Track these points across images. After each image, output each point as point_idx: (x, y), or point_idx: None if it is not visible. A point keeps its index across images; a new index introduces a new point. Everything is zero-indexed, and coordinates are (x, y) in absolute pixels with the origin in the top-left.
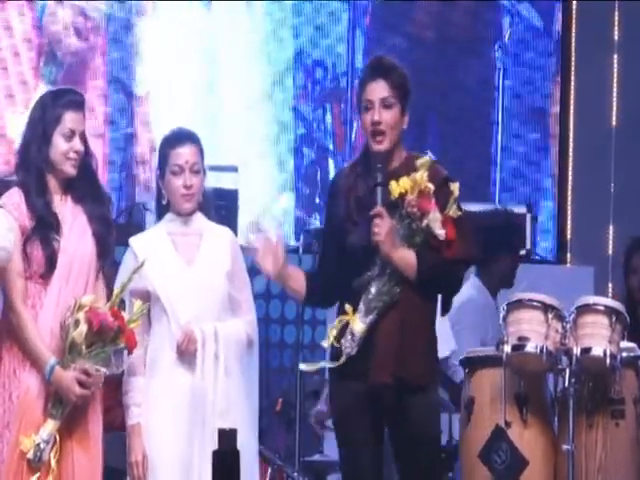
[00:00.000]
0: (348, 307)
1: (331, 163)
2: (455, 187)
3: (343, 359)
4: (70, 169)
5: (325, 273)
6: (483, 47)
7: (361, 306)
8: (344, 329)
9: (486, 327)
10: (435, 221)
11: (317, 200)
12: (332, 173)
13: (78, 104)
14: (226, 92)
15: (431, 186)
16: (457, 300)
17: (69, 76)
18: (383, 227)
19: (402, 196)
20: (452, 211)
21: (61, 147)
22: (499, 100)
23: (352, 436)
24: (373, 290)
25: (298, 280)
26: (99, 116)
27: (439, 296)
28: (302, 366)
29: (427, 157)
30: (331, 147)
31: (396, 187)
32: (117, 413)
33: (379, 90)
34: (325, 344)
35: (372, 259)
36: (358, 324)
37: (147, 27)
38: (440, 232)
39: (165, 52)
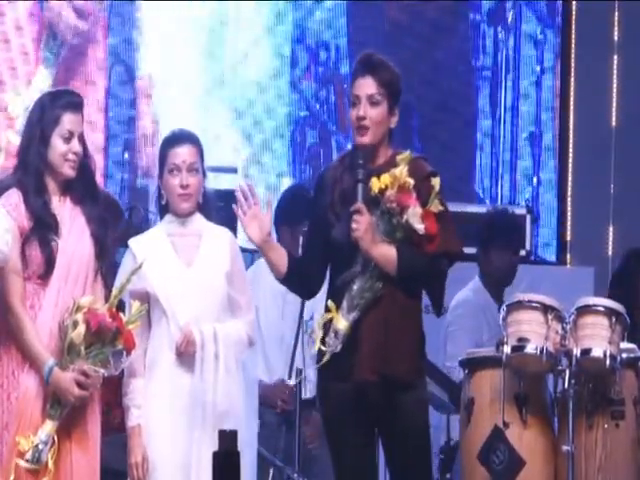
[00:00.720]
0: (331, 304)
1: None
2: (436, 182)
3: (327, 357)
4: (69, 171)
5: (307, 263)
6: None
7: (344, 303)
8: (327, 327)
9: (481, 329)
10: (414, 216)
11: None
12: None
13: (77, 105)
14: (229, 67)
15: (411, 181)
16: (453, 301)
17: (70, 56)
18: (362, 223)
19: (382, 192)
20: (433, 206)
21: (60, 148)
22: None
23: (342, 437)
24: (356, 287)
25: (281, 256)
26: (99, 91)
27: (423, 292)
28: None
29: (407, 152)
30: (334, 128)
31: (376, 183)
32: (116, 414)
33: (366, 86)
34: (314, 349)
35: (353, 254)
36: (341, 321)
37: (148, 5)
38: (419, 227)
39: (167, 29)
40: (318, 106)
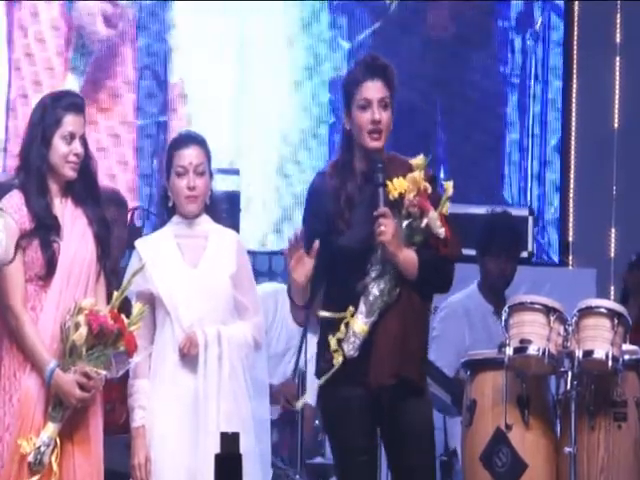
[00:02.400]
0: (351, 309)
1: None
2: (449, 186)
3: (340, 360)
4: (70, 172)
5: (320, 280)
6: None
7: (362, 307)
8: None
9: (462, 334)
10: (435, 220)
11: None
12: None
13: (78, 107)
14: (258, 79)
15: (428, 185)
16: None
17: (98, 64)
18: (389, 227)
19: (401, 196)
20: (444, 209)
21: (61, 150)
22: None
23: (347, 442)
24: (375, 291)
25: (307, 287)
26: (127, 103)
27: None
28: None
29: (422, 156)
30: None
31: (394, 188)
32: (121, 412)
33: (377, 90)
34: (336, 361)
35: (365, 259)
36: (360, 325)
37: (178, 12)
38: (440, 230)
39: (197, 37)
40: None
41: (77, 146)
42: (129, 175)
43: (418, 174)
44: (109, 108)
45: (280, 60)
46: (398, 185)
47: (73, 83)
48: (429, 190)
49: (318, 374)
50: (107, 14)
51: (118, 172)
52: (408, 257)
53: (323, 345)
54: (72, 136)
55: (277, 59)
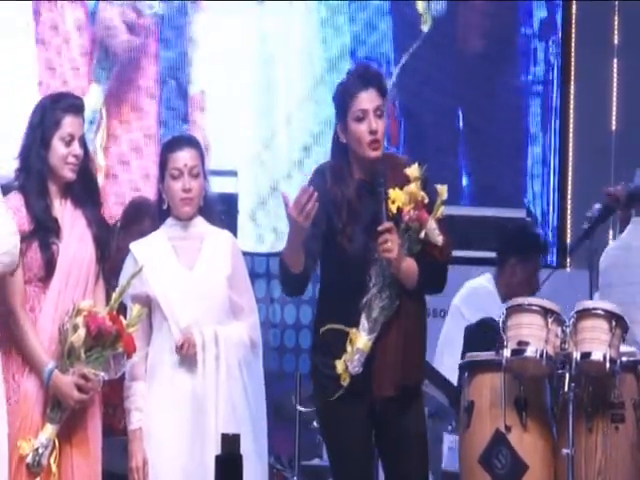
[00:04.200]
0: (354, 330)
1: None
2: (443, 190)
3: (348, 381)
4: (69, 173)
5: (311, 266)
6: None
7: (364, 323)
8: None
9: None
10: (433, 230)
11: None
12: None
13: (77, 108)
14: (281, 88)
15: (425, 195)
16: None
17: (120, 74)
18: (395, 243)
19: (399, 210)
20: (439, 213)
21: (60, 151)
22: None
23: (344, 445)
24: (377, 305)
25: (302, 252)
26: (151, 115)
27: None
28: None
29: (416, 166)
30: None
31: (392, 203)
32: (122, 415)
33: (372, 99)
34: (343, 382)
35: (365, 272)
36: (364, 342)
37: (200, 24)
38: (439, 239)
39: (219, 49)
40: None
41: (76, 147)
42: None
43: (415, 186)
44: (130, 121)
45: (301, 72)
46: (396, 199)
47: (96, 94)
48: (426, 200)
49: (321, 390)
50: (130, 22)
51: (142, 186)
52: (409, 268)
53: (325, 364)
54: (71, 137)
55: (297, 72)
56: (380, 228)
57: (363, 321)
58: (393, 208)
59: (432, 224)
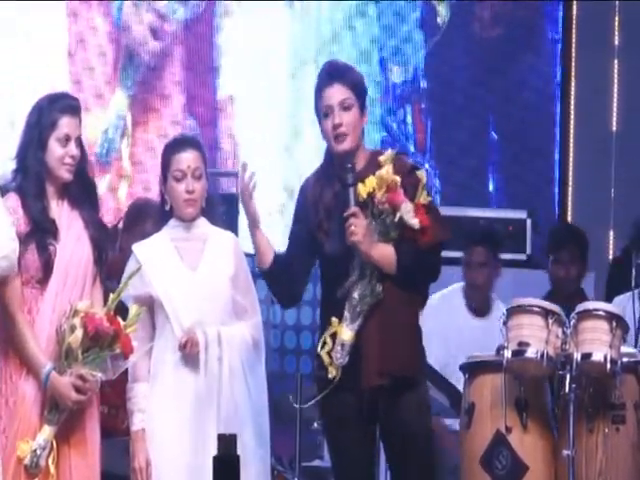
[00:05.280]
0: (334, 320)
1: None
2: (422, 174)
3: (336, 372)
4: (65, 174)
5: (292, 261)
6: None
7: (346, 314)
8: (332, 341)
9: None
10: (407, 212)
11: None
12: None
13: (74, 109)
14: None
15: (397, 179)
16: None
17: (146, 80)
18: (359, 227)
19: (370, 195)
20: (422, 198)
21: (56, 152)
22: None
23: (342, 440)
24: (356, 295)
25: (268, 245)
26: (176, 109)
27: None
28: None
29: (389, 151)
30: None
31: (363, 188)
32: (123, 416)
33: (336, 93)
34: (330, 375)
35: (349, 265)
36: (346, 333)
37: (227, 28)
38: (414, 222)
39: (246, 53)
40: (395, 126)
41: (72, 148)
42: None
43: (386, 170)
44: (154, 124)
45: None
46: (368, 184)
47: (121, 99)
48: (398, 183)
49: (315, 382)
50: (155, 27)
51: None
52: (384, 253)
53: (320, 361)
54: (67, 138)
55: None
56: (345, 214)
57: (345, 312)
58: (364, 193)
59: (407, 207)
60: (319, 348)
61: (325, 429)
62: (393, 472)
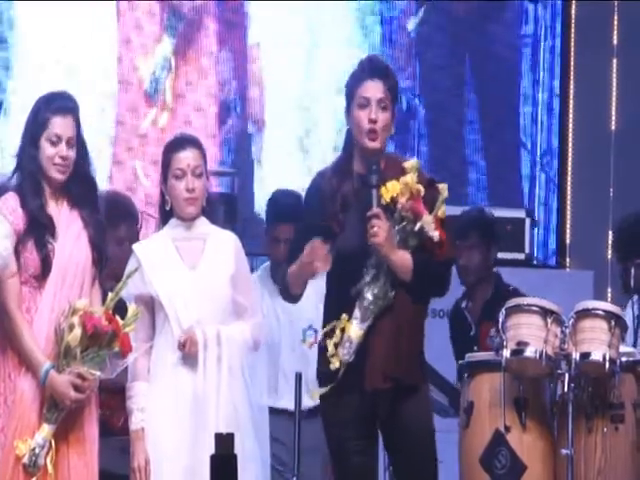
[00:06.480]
0: (344, 316)
1: None
2: (444, 188)
3: (339, 365)
4: (56, 174)
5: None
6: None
7: (357, 312)
8: (339, 337)
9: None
10: (429, 224)
11: None
12: None
13: (67, 109)
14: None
15: (421, 188)
16: None
17: (188, 28)
18: (382, 229)
19: (393, 200)
20: (441, 212)
21: (47, 152)
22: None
23: (344, 442)
24: (369, 295)
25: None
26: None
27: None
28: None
29: (414, 159)
30: None
31: (387, 191)
32: (119, 416)
33: (377, 90)
34: (333, 366)
35: (361, 264)
36: (355, 330)
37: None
38: (434, 234)
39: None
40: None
41: (63, 149)
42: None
43: (411, 177)
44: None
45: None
46: (391, 188)
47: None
48: (422, 193)
49: (318, 378)
50: None
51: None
52: (402, 259)
53: (322, 350)
54: (58, 138)
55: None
56: (369, 213)
57: (355, 310)
58: (387, 197)
59: (428, 218)
60: (322, 338)
61: (326, 430)
62: (396, 474)
